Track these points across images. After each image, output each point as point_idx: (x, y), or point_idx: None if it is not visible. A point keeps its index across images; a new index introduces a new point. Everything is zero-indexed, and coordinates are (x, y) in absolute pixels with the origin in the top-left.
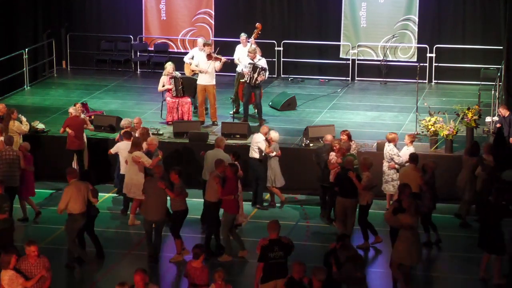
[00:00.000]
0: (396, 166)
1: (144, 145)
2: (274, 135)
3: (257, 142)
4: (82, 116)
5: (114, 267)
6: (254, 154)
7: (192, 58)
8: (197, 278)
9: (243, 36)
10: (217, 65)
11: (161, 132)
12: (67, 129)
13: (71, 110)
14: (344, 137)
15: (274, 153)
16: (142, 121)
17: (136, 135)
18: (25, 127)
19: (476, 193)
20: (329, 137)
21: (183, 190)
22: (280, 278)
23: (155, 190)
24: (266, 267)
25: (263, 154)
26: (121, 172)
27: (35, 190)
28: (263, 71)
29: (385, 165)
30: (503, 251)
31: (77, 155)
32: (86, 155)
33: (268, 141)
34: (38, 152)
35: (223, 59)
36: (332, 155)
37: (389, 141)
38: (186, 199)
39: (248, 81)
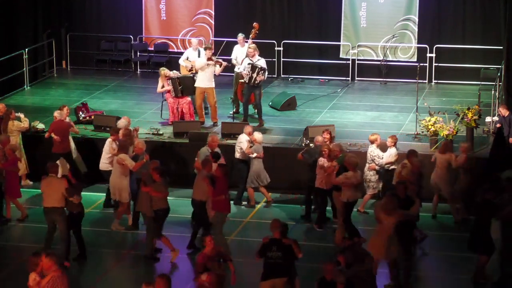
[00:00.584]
0: (376, 167)
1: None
2: (257, 136)
3: (240, 142)
4: (68, 119)
5: (113, 268)
6: (237, 154)
7: (187, 59)
8: None
9: (240, 36)
10: (217, 69)
11: (161, 132)
12: (52, 134)
13: (56, 114)
14: (327, 135)
15: (255, 154)
16: (130, 120)
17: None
18: (24, 123)
19: (455, 190)
20: (319, 138)
21: (162, 188)
22: (278, 277)
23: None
24: (265, 265)
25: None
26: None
27: (37, 190)
28: (262, 71)
29: (366, 166)
30: (493, 251)
31: (65, 158)
32: (78, 157)
33: (252, 142)
34: (38, 152)
35: (224, 63)
36: (322, 161)
37: (371, 142)
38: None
39: (247, 82)
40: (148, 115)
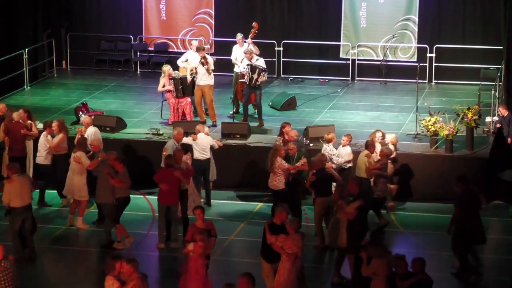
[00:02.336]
0: (334, 166)
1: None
2: (207, 129)
3: (208, 142)
4: (29, 122)
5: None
6: (202, 155)
7: (186, 61)
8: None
9: (239, 36)
10: (207, 67)
11: (161, 132)
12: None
13: (14, 115)
14: (288, 128)
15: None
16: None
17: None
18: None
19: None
20: (292, 133)
21: (126, 178)
22: (277, 262)
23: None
24: (270, 248)
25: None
26: None
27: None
28: (263, 72)
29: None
30: (485, 239)
31: (19, 162)
32: (30, 163)
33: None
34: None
35: (206, 66)
36: (280, 160)
37: (328, 142)
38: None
39: (248, 82)
40: (148, 115)
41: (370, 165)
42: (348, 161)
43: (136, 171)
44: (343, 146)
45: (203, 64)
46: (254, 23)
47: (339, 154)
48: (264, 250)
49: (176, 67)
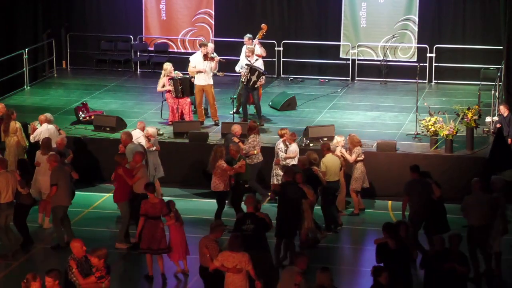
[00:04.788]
0: (281, 161)
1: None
2: (151, 130)
3: (137, 138)
4: None
5: (113, 268)
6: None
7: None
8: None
9: (246, 38)
10: (213, 64)
11: (161, 132)
12: None
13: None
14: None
15: (154, 148)
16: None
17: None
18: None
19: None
20: (236, 128)
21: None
22: (250, 249)
23: (66, 177)
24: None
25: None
26: None
27: None
28: (262, 76)
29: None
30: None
31: None
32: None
33: (148, 137)
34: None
35: (217, 58)
36: (221, 162)
37: (280, 137)
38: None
39: (245, 83)
40: (148, 115)
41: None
42: (291, 158)
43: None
44: (289, 143)
45: (212, 59)
46: (263, 24)
47: (289, 151)
48: None
49: (176, 67)
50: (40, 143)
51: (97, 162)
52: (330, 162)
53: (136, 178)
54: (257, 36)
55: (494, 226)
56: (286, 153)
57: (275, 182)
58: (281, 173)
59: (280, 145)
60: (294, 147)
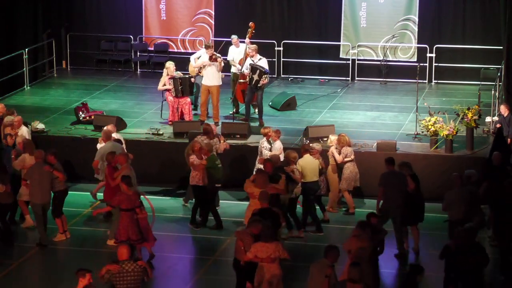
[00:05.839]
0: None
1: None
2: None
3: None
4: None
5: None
6: None
7: (199, 58)
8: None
9: (234, 38)
10: (217, 65)
11: (161, 132)
12: None
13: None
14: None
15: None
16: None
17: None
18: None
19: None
20: (208, 127)
21: (62, 170)
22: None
23: (41, 174)
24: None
25: None
26: None
27: None
28: (265, 75)
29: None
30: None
31: None
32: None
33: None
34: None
35: (219, 59)
36: (193, 157)
37: (264, 135)
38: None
39: (248, 83)
40: (148, 115)
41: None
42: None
43: (136, 171)
44: (274, 140)
45: (216, 60)
46: (250, 23)
47: (274, 148)
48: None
49: (178, 67)
50: (23, 145)
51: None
52: (306, 163)
53: (117, 180)
54: (247, 36)
55: (474, 220)
56: (271, 151)
57: None
58: None
59: (265, 144)
60: (278, 144)
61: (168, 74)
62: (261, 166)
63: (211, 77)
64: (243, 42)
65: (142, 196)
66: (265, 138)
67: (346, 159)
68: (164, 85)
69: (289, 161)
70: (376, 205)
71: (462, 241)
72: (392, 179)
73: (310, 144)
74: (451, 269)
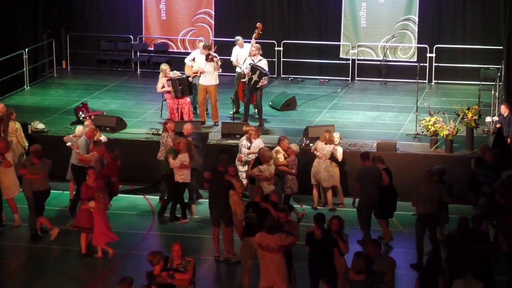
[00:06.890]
0: (243, 158)
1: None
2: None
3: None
4: None
5: (114, 267)
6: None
7: (194, 59)
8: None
9: (239, 39)
10: (215, 65)
11: (161, 132)
12: None
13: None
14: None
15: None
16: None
17: None
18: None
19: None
20: (188, 127)
21: (40, 170)
22: (252, 236)
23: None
24: (245, 225)
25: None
26: None
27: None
28: (264, 76)
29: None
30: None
31: None
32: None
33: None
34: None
35: (216, 58)
36: (185, 156)
37: (245, 133)
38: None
39: (247, 83)
40: (148, 115)
41: (277, 161)
42: (254, 154)
43: (136, 171)
44: (254, 139)
45: (212, 60)
46: (258, 23)
47: (252, 146)
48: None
49: (176, 67)
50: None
51: None
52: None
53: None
54: (253, 36)
55: (443, 214)
56: (249, 149)
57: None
58: (243, 169)
59: (244, 142)
60: (257, 143)
61: (165, 76)
62: (240, 164)
63: (208, 77)
64: (248, 42)
65: (142, 196)
66: (245, 136)
67: (316, 153)
68: (163, 87)
69: (264, 160)
70: (353, 202)
71: (464, 228)
72: (368, 174)
73: (287, 144)
74: (455, 257)
